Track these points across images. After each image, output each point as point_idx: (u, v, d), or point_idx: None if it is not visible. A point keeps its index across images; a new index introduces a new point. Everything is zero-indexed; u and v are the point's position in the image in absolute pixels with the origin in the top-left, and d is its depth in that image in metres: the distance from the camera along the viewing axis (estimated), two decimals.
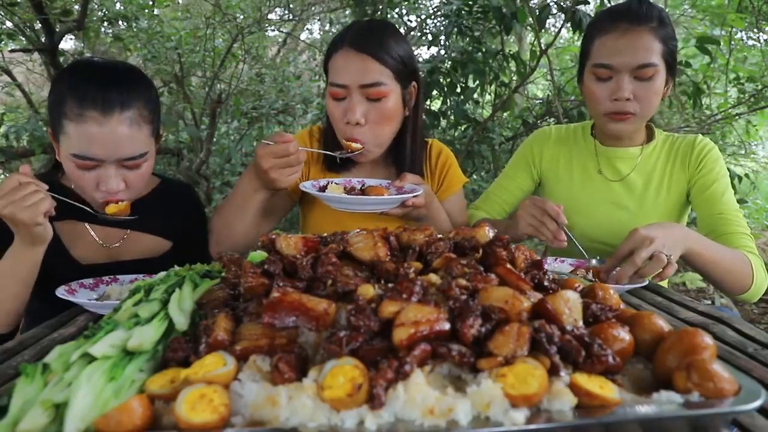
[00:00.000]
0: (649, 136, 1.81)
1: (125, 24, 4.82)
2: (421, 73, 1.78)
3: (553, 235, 1.44)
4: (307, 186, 1.57)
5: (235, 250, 1.56)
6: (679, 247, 1.35)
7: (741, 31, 4.40)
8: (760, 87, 4.22)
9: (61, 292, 1.25)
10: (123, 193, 1.43)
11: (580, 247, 1.51)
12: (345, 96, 1.58)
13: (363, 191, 1.62)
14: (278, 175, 1.45)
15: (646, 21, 1.60)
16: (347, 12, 5.29)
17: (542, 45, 3.67)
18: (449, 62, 3.91)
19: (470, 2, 3.78)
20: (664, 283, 1.80)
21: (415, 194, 1.53)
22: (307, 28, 7.40)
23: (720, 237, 1.59)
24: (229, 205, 1.61)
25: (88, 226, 1.59)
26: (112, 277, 1.40)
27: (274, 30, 6.20)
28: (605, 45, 1.63)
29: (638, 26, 1.59)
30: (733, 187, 3.42)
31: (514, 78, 4.19)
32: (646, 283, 1.34)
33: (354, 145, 1.62)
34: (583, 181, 1.84)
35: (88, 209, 1.43)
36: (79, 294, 1.30)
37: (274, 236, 0.98)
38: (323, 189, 1.59)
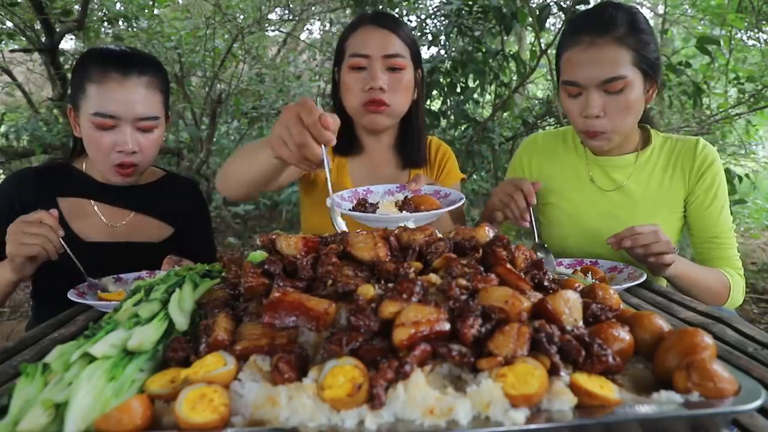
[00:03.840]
0: (645, 140, 1.74)
1: (125, 24, 4.82)
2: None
3: (520, 214, 1.52)
4: (345, 208, 1.40)
5: (237, 192, 1.47)
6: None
7: (741, 31, 4.40)
8: (759, 87, 4.22)
9: (72, 294, 1.27)
10: (136, 156, 1.55)
11: (536, 234, 1.60)
12: (366, 66, 1.65)
13: (408, 203, 1.45)
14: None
15: (610, 30, 1.51)
16: (347, 12, 5.29)
17: (542, 45, 3.67)
18: (449, 62, 3.92)
19: (470, 2, 3.78)
20: (663, 282, 1.80)
21: (462, 202, 1.46)
22: (307, 28, 7.41)
23: (712, 261, 1.68)
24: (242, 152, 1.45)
25: (94, 204, 1.64)
26: (116, 276, 1.42)
27: (274, 30, 6.20)
28: (570, 60, 1.56)
29: (601, 37, 1.51)
30: (733, 187, 3.42)
31: (514, 78, 4.19)
32: (644, 278, 1.35)
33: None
34: (575, 191, 1.78)
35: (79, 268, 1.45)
36: (88, 296, 1.32)
37: (274, 236, 0.98)
38: (363, 207, 1.44)
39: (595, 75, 1.51)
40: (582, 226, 1.76)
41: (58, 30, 4.18)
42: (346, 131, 1.76)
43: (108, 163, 1.55)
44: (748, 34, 4.63)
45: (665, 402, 0.64)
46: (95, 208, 1.64)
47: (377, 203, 1.46)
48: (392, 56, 1.64)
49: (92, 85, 1.51)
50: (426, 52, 4.34)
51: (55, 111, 4.77)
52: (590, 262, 1.51)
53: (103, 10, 4.75)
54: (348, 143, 1.78)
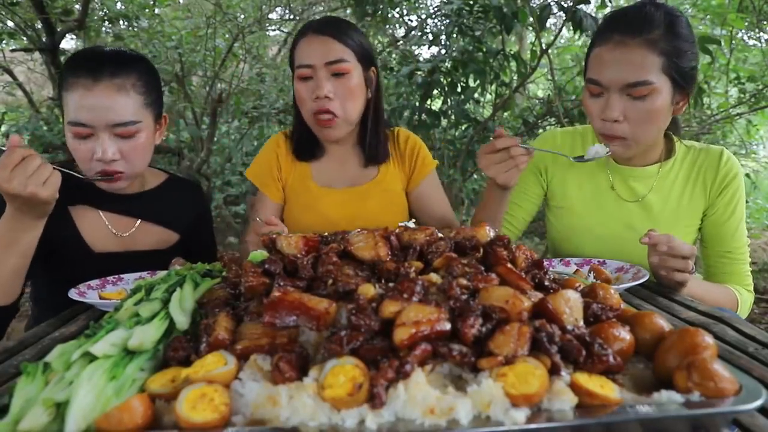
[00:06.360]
0: (669, 150, 1.63)
1: (126, 23, 4.83)
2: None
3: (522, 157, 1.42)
4: None
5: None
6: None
7: (741, 31, 4.40)
8: (760, 87, 4.22)
9: (72, 294, 1.27)
10: (119, 164, 1.46)
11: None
12: (311, 76, 1.66)
13: None
14: None
15: (644, 31, 1.41)
16: (347, 11, 5.29)
17: (543, 44, 3.67)
18: (450, 62, 3.91)
19: (471, 2, 3.77)
20: None
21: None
22: None
23: (722, 275, 1.61)
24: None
25: (101, 214, 1.61)
26: (116, 276, 1.41)
27: (274, 29, 6.20)
28: (597, 58, 1.47)
29: (632, 38, 1.41)
30: None
31: (515, 78, 4.19)
32: (646, 278, 1.34)
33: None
34: (594, 197, 1.69)
35: (78, 175, 1.42)
36: (89, 295, 1.31)
37: (274, 236, 0.98)
38: None
39: (618, 77, 1.42)
40: (597, 234, 1.68)
41: (58, 29, 4.18)
42: (307, 138, 1.77)
43: (91, 172, 1.48)
44: (748, 34, 4.63)
45: (666, 402, 0.64)
46: (101, 216, 1.61)
47: None
48: (334, 62, 1.63)
49: (66, 93, 1.43)
50: (426, 52, 4.34)
51: (56, 110, 4.77)
52: (597, 262, 1.49)
53: (104, 10, 4.75)
54: (309, 149, 1.79)
